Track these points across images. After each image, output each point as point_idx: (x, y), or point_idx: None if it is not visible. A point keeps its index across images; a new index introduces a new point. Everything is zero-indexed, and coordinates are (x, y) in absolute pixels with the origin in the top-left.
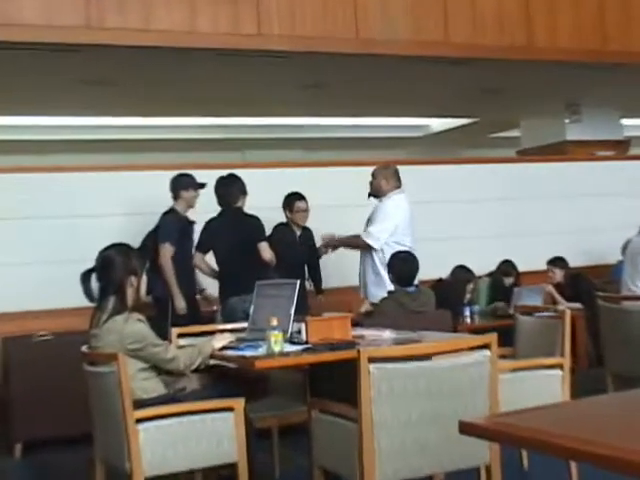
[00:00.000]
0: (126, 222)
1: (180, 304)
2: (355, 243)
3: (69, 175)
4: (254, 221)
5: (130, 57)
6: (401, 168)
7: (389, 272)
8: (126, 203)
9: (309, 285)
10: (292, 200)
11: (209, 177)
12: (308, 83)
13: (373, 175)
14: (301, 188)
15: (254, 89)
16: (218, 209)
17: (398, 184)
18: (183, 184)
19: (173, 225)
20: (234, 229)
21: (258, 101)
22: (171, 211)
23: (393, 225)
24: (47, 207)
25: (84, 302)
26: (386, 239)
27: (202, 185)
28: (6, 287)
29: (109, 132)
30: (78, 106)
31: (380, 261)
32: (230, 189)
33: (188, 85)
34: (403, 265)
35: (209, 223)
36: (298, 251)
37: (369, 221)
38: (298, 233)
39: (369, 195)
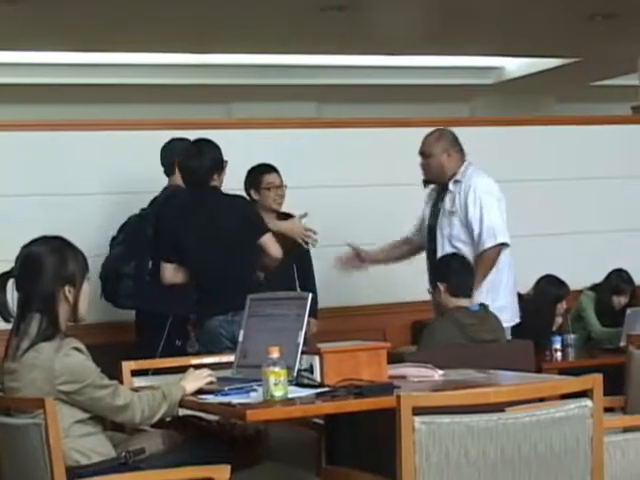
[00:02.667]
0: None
1: None
2: (483, 268)
3: None
4: (242, 205)
5: None
6: (461, 130)
7: (441, 280)
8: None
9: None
10: (257, 174)
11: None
12: (327, 3)
13: (424, 153)
14: (313, 159)
15: (248, 12)
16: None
17: (463, 155)
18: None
19: None
20: (212, 220)
21: (253, 30)
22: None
23: (499, 204)
24: None
25: None
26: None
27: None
28: None
29: (28, 73)
30: None
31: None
32: (199, 161)
33: (150, 3)
34: (461, 268)
35: (168, 214)
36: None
37: (453, 217)
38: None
39: (425, 183)
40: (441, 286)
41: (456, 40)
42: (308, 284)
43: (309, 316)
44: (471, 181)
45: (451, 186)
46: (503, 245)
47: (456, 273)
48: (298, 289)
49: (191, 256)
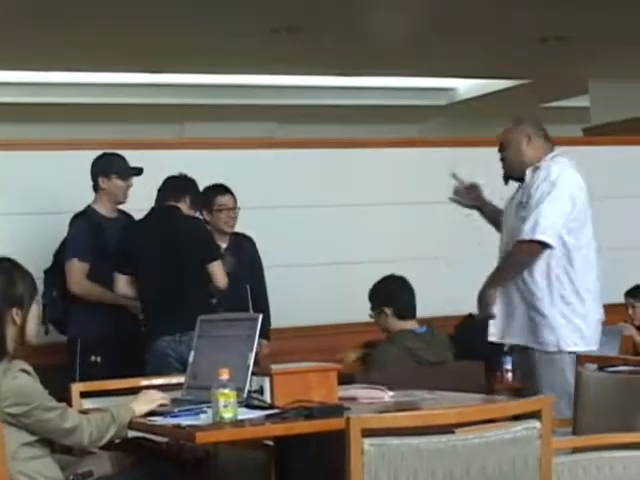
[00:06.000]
0: (14, 224)
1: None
2: (514, 260)
3: None
4: (198, 227)
5: None
6: (415, 150)
7: (386, 304)
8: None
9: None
10: (210, 195)
11: (131, 161)
12: (278, 25)
13: (501, 144)
14: (270, 180)
15: (200, 33)
16: None
17: (550, 142)
18: (105, 169)
19: (82, 235)
20: (164, 237)
21: (206, 51)
22: (82, 213)
23: (569, 202)
24: None
25: None
26: (560, 229)
27: (136, 171)
28: None
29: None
30: None
31: (557, 276)
32: (170, 186)
33: (104, 24)
34: (402, 290)
35: (127, 229)
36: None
37: (521, 209)
38: (224, 245)
39: (506, 179)
40: (387, 310)
41: (409, 61)
42: (261, 305)
43: (260, 337)
44: (549, 170)
45: (528, 173)
46: (542, 245)
47: (399, 295)
48: (251, 310)
49: (142, 273)
